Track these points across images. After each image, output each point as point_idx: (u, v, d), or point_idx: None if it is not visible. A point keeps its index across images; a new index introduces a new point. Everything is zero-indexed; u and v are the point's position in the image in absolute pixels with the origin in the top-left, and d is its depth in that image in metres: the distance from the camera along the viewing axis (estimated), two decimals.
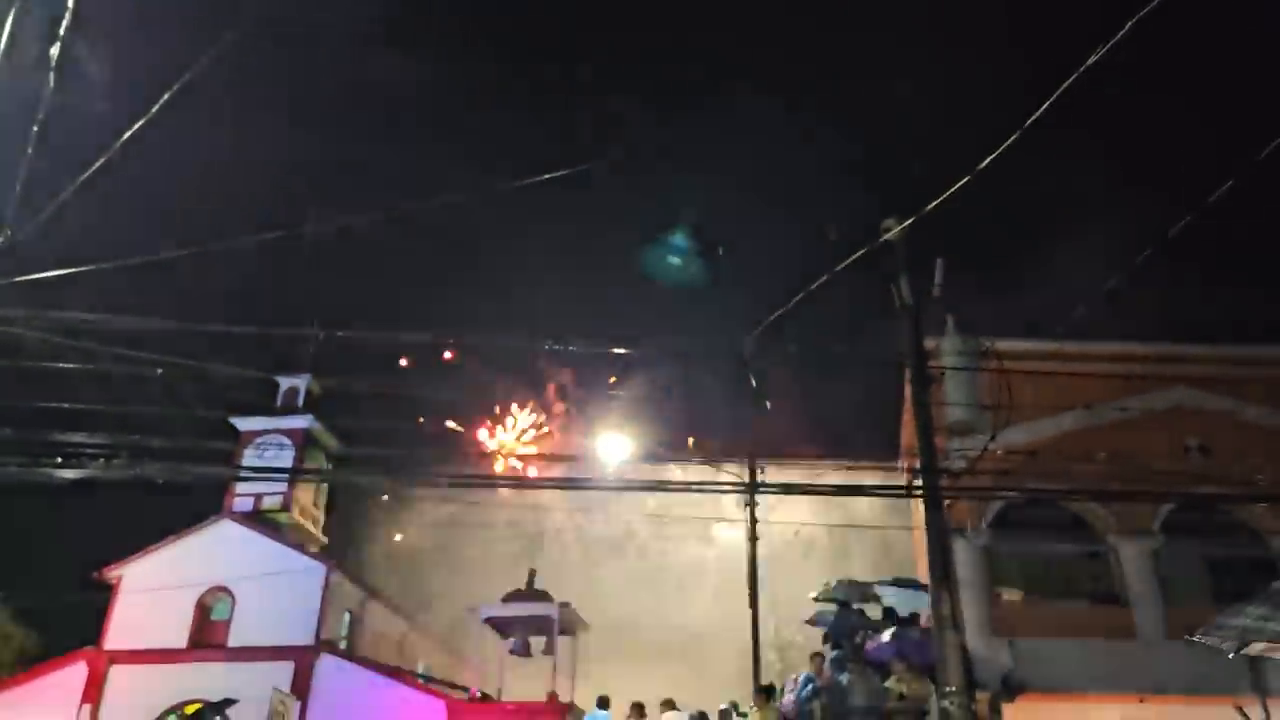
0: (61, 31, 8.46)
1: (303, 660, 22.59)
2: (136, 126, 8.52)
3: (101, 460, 11.26)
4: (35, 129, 8.45)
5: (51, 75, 8.34)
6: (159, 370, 12.34)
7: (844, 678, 13.05)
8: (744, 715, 14.04)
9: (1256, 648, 9.87)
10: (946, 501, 11.38)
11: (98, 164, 8.47)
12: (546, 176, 9.98)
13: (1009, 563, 13.84)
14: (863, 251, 11.17)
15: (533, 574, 20.74)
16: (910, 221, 11.02)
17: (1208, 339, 15.72)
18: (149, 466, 11.36)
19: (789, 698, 13.41)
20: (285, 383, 28.44)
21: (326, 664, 22.73)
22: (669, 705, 15.27)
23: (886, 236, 11.36)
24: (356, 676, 22.63)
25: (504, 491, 27.34)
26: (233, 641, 23.41)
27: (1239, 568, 13.21)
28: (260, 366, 25.40)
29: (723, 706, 14.27)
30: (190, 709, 21.87)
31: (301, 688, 21.97)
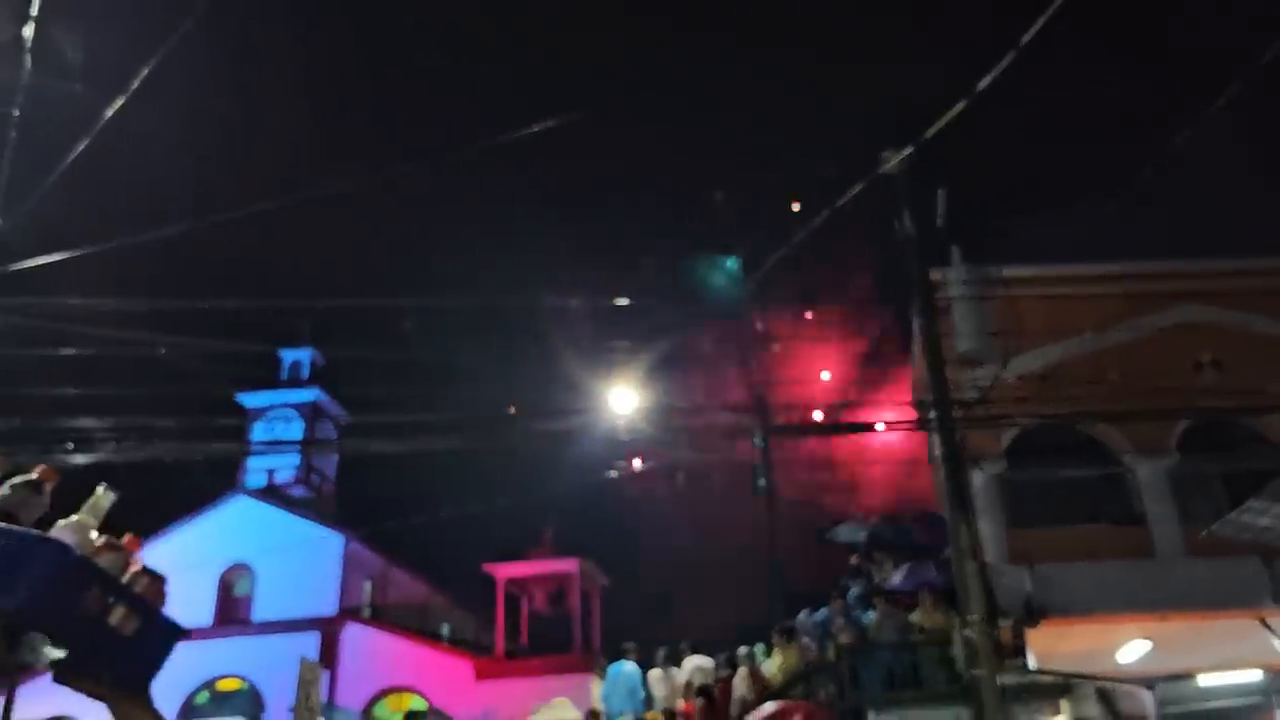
0: (34, 11, 8.25)
1: (328, 630, 22.82)
2: (115, 107, 8.35)
3: (112, 444, 11.26)
4: (15, 113, 8.29)
5: (27, 57, 8.16)
6: (163, 350, 12.27)
7: (866, 616, 13.09)
8: (769, 656, 14.08)
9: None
10: (960, 432, 11.35)
11: (79, 148, 8.32)
12: (536, 128, 9.81)
13: (1026, 489, 13.76)
14: (860, 186, 10.99)
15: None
16: (908, 151, 10.83)
17: (1213, 253, 15.49)
18: (159, 446, 11.35)
19: (806, 639, 13.51)
20: (289, 357, 28.41)
21: (351, 632, 22.97)
22: (691, 651, 15.36)
23: (885, 168, 11.17)
24: (382, 642, 22.86)
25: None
26: (256, 616, 23.62)
27: (1256, 480, 13.13)
28: (261, 342, 25.40)
29: (743, 649, 14.30)
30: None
31: (328, 657, 22.20)
